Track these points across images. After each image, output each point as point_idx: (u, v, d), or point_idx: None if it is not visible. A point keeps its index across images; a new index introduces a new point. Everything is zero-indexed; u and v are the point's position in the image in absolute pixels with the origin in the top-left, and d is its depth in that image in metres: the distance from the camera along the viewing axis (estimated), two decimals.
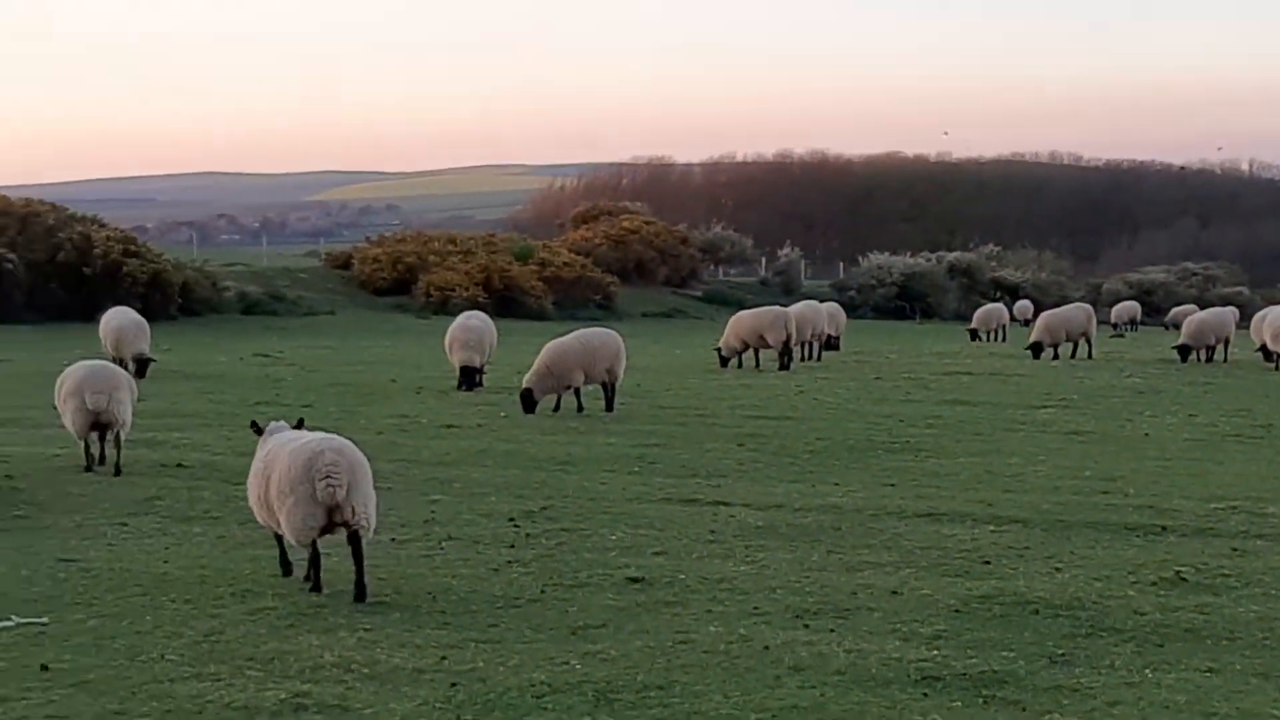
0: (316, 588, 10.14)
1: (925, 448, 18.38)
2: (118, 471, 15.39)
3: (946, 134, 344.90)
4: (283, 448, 10.33)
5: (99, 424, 15.58)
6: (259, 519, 10.72)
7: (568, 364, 21.59)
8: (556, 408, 21.84)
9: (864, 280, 72.26)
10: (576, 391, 21.85)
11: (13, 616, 9.31)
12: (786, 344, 30.59)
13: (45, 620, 9.27)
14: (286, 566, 10.66)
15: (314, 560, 10.20)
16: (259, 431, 11.02)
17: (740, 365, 30.81)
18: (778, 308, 32.36)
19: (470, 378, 24.80)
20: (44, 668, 8.23)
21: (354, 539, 10.00)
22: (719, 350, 31.20)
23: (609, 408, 21.77)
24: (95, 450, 15.66)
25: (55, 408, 16.15)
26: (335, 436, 10.34)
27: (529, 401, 21.38)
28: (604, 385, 22.02)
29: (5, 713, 7.45)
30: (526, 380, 21.68)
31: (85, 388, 15.49)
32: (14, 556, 11.26)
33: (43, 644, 8.75)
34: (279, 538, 10.53)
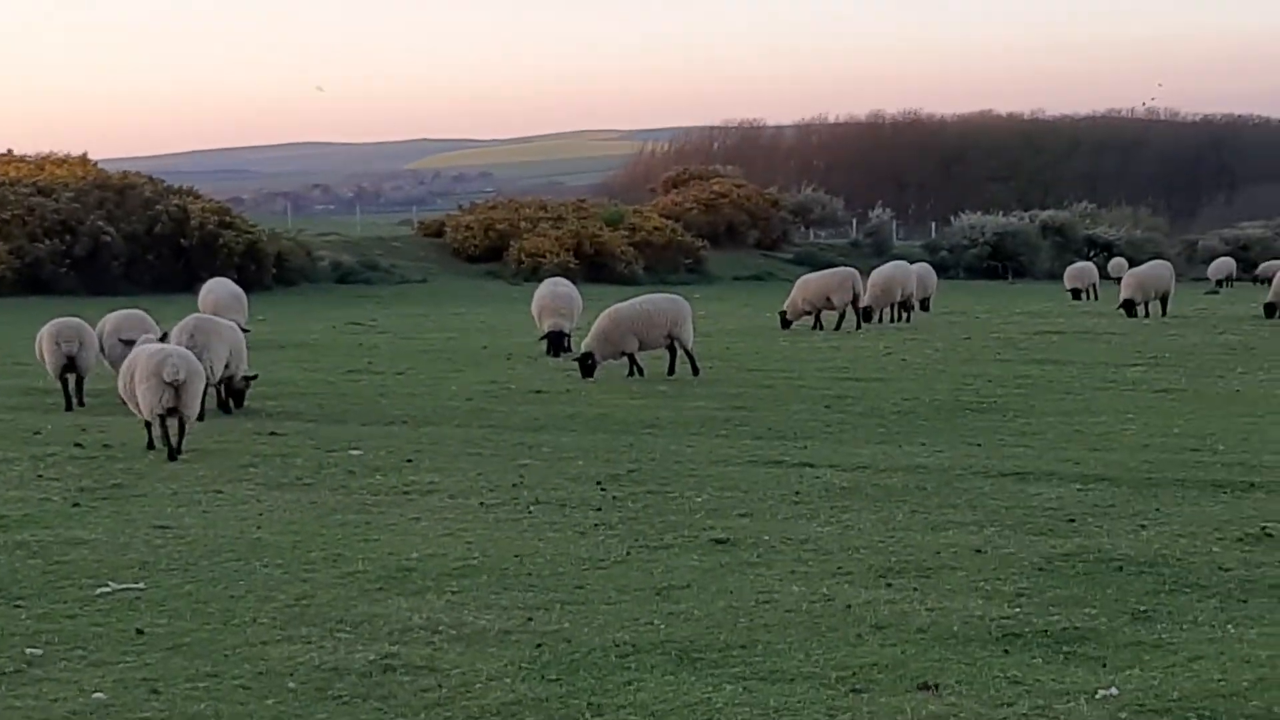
0: (151, 445, 14.93)
1: (1013, 407, 18.37)
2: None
3: (1160, 85, 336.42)
4: (144, 350, 15.17)
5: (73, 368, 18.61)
6: (127, 403, 15.42)
7: (621, 330, 21.74)
8: (632, 372, 21.99)
9: (956, 240, 71.74)
10: (632, 357, 21.97)
11: (109, 582, 9.54)
12: (854, 305, 30.67)
13: (141, 586, 9.49)
14: (151, 444, 15.02)
15: (161, 432, 14.70)
16: (130, 344, 16.85)
17: (821, 327, 30.86)
18: (845, 268, 32.52)
19: (559, 343, 24.95)
20: (139, 632, 8.43)
21: (181, 421, 14.55)
22: (783, 313, 31.23)
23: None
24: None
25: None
26: (184, 350, 15.32)
27: (587, 367, 21.53)
28: (670, 350, 22.12)
29: (103, 676, 7.65)
30: (585, 345, 21.87)
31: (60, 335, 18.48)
32: (111, 524, 11.51)
33: (138, 609, 8.95)
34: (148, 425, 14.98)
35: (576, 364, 21.82)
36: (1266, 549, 10.25)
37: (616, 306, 22.33)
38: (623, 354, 21.90)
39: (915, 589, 9.28)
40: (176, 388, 14.27)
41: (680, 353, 22.12)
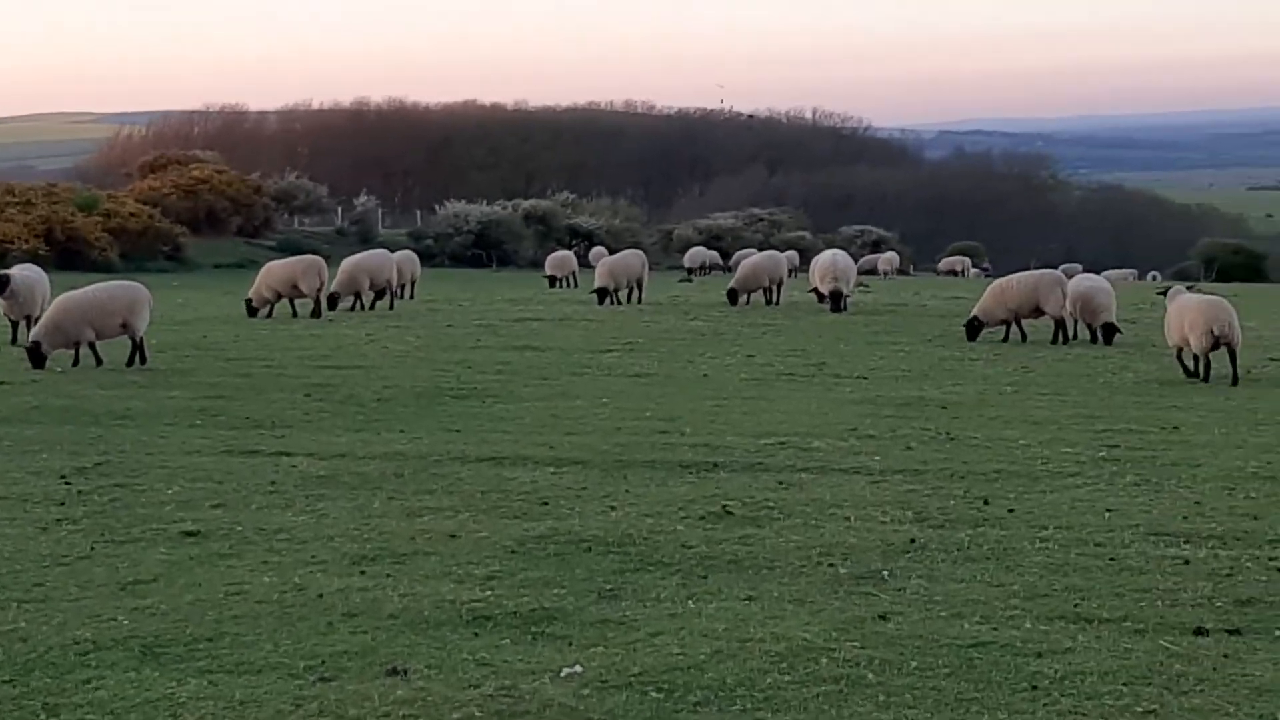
0: None
1: (492, 393, 18.61)
2: None
3: (722, 87, 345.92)
4: None
5: None
6: None
7: (73, 319, 21.06)
8: (75, 362, 21.27)
9: (441, 228, 72.45)
10: (91, 345, 21.27)
11: None
12: (319, 292, 30.68)
13: None
14: None
15: None
16: None
17: (296, 314, 30.75)
18: (311, 256, 32.63)
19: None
20: None
21: None
22: (249, 301, 30.92)
23: (133, 361, 21.34)
24: None
25: None
26: None
27: (37, 356, 20.72)
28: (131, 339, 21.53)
29: None
30: (33, 334, 21.12)
31: None
32: None
33: None
34: None
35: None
36: (727, 526, 10.68)
37: (68, 295, 21.56)
38: (77, 343, 21.13)
39: (389, 575, 9.27)
40: None
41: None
